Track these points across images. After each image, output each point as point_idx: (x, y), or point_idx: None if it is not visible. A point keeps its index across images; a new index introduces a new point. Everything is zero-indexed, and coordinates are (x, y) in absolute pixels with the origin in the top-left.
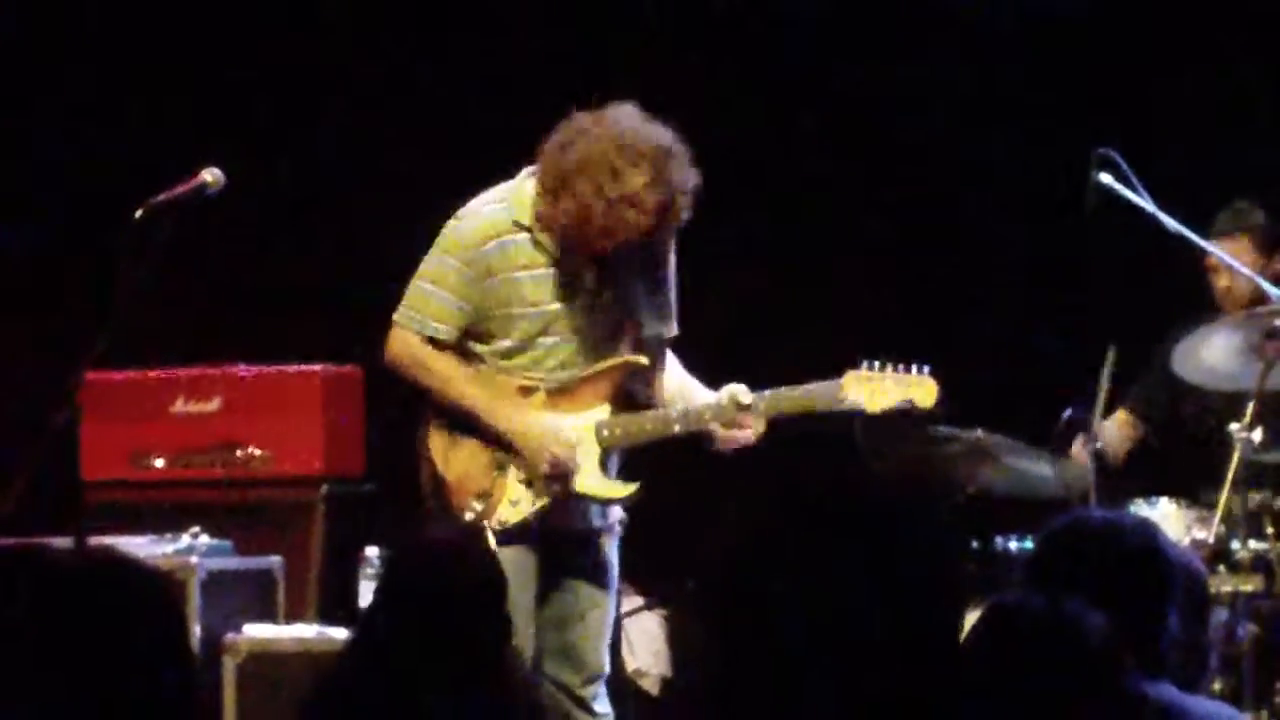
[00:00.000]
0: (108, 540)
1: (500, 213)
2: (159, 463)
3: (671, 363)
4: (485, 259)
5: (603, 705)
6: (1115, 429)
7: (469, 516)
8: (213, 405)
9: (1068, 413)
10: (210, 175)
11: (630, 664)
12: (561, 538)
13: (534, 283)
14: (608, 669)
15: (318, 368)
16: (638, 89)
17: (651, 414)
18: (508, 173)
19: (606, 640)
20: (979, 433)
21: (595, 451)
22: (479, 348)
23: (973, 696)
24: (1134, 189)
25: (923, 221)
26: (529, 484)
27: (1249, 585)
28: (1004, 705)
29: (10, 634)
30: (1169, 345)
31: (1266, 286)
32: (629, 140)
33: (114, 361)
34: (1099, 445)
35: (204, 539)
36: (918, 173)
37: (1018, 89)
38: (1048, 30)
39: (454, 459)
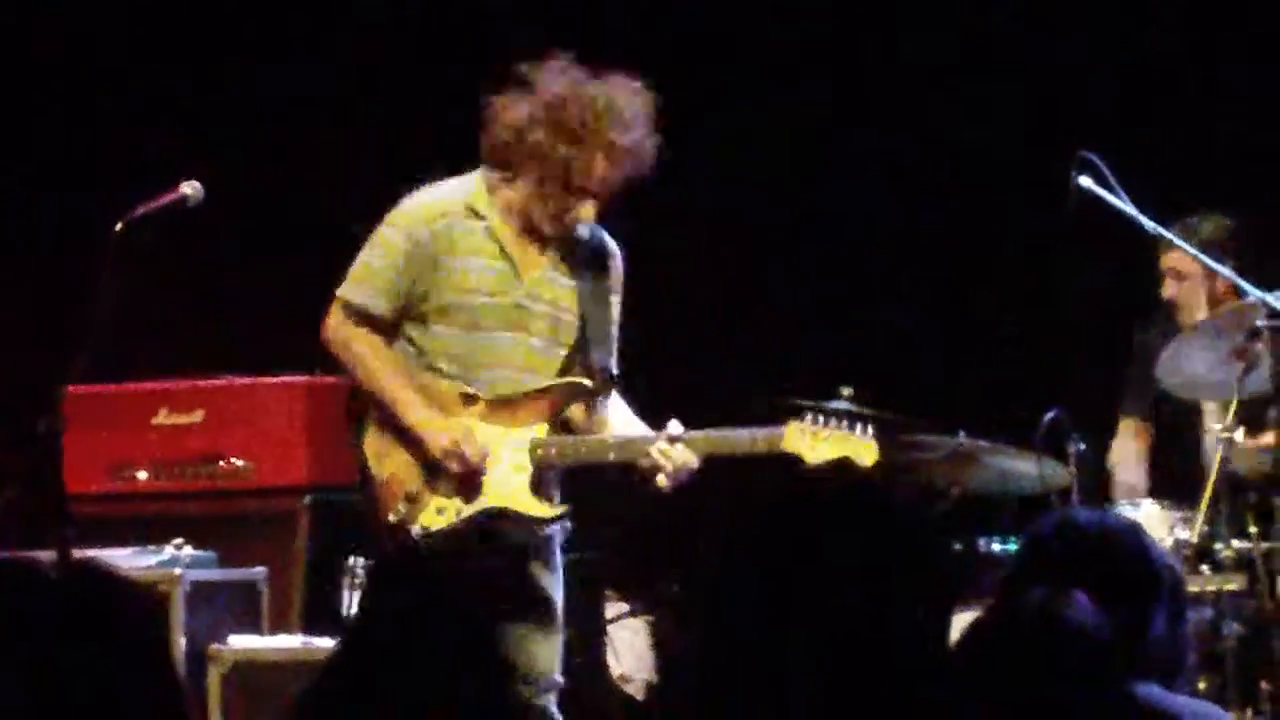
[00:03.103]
0: (91, 553)
1: (454, 195)
2: (142, 475)
3: (618, 402)
4: (433, 238)
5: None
6: (1128, 443)
7: (393, 518)
8: (195, 417)
9: (1050, 414)
10: (190, 188)
11: (616, 670)
12: (496, 547)
13: (480, 272)
14: (559, 677)
15: (300, 379)
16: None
17: (589, 438)
18: None
19: (557, 646)
20: (961, 437)
21: (529, 468)
22: (421, 339)
23: (971, 693)
24: (1114, 191)
25: (903, 224)
26: (459, 492)
27: (1232, 584)
28: (1004, 702)
29: None
30: (1148, 341)
31: (1244, 285)
32: (566, 76)
33: (96, 374)
34: (1082, 448)
35: (188, 550)
36: (897, 175)
37: (1000, 89)
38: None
39: (387, 459)
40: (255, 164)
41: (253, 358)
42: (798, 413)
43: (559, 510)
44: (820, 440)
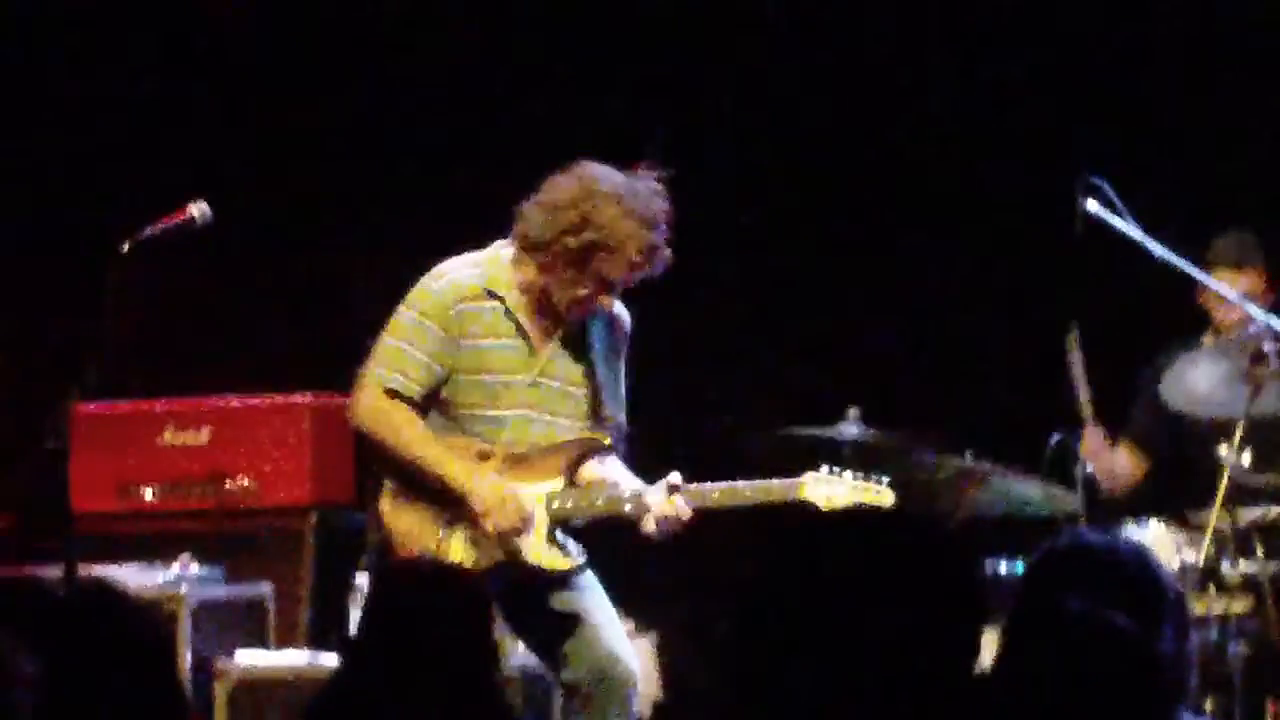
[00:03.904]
0: (98, 571)
1: (474, 278)
2: (148, 494)
3: (618, 460)
4: (458, 321)
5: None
6: (1125, 460)
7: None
8: (201, 436)
9: (1056, 437)
10: (197, 209)
11: None
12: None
13: (501, 352)
14: (631, 669)
15: (306, 398)
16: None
17: (604, 492)
18: (488, 218)
19: (617, 636)
20: (967, 458)
21: (545, 522)
22: (440, 415)
23: (1015, 709)
24: (1121, 216)
25: (913, 247)
26: (475, 544)
27: (1239, 606)
28: (1050, 713)
29: (2, 665)
30: (1157, 370)
31: (1251, 309)
32: (604, 186)
33: (102, 393)
34: (1090, 470)
35: (194, 567)
36: (907, 196)
37: (1007, 112)
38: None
39: (403, 517)
40: (263, 185)
41: (259, 377)
42: (812, 461)
43: (574, 563)
44: (836, 489)
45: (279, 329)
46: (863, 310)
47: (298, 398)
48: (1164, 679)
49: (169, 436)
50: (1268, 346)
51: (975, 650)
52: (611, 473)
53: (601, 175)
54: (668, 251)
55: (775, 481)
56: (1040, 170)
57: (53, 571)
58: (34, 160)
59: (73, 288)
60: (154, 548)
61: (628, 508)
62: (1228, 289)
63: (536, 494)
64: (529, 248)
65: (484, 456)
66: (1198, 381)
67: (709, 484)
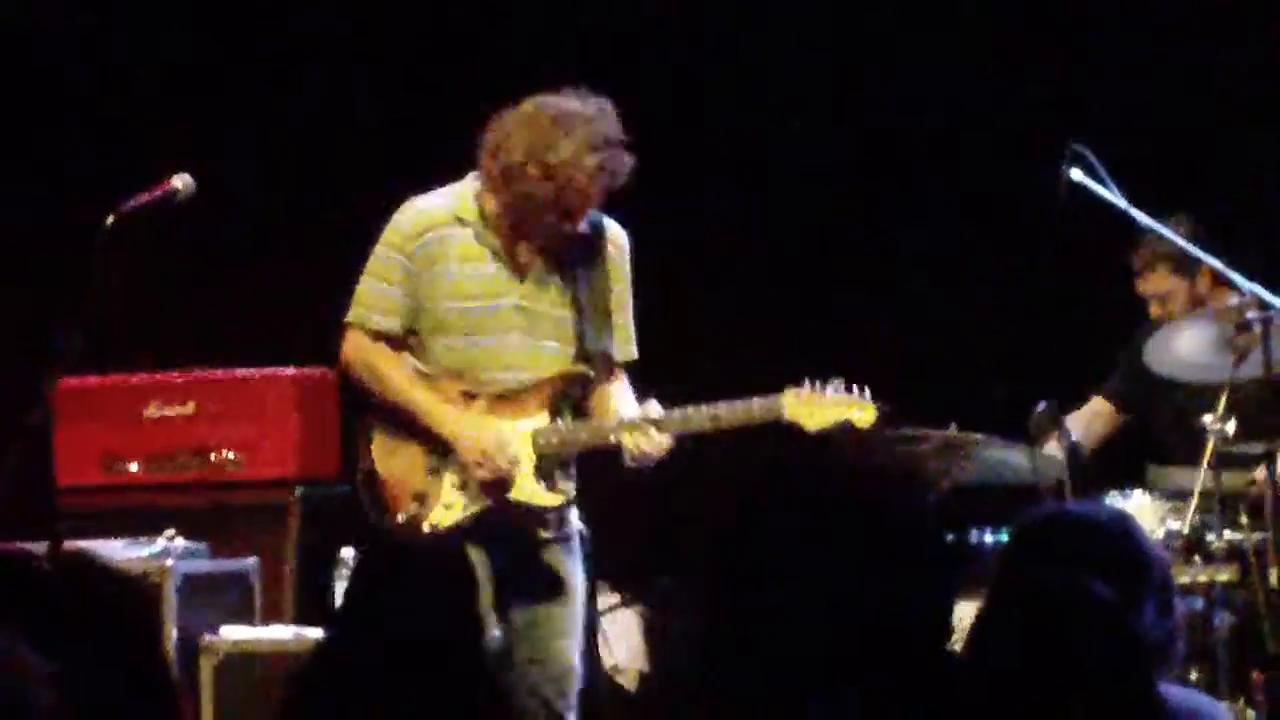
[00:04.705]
0: (83, 545)
1: (439, 206)
2: (133, 467)
3: (623, 388)
4: (425, 250)
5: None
6: (1089, 418)
7: (402, 518)
8: (186, 409)
9: (1040, 406)
10: (180, 181)
11: (608, 660)
12: (503, 543)
13: (478, 278)
14: (578, 679)
15: (290, 370)
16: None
17: (588, 424)
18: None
19: (573, 646)
20: (952, 428)
21: (531, 458)
22: (422, 350)
23: (993, 680)
24: (1105, 184)
25: (895, 217)
26: (463, 487)
27: (1224, 575)
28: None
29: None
30: (1142, 335)
31: (1236, 278)
32: (554, 111)
33: (87, 366)
34: (1074, 439)
35: (179, 542)
36: (888, 165)
37: (991, 83)
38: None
39: (393, 460)
40: (246, 156)
41: (244, 350)
42: (796, 380)
43: (562, 498)
44: (818, 406)
45: (265, 301)
46: (845, 282)
47: (283, 371)
48: (1145, 649)
49: (153, 409)
50: (1251, 314)
51: (946, 622)
52: (619, 404)
53: (545, 104)
54: (626, 160)
55: (756, 401)
56: (1027, 136)
57: (37, 546)
58: (16, 131)
59: (56, 260)
60: (139, 521)
61: (612, 438)
62: (1213, 260)
63: (522, 431)
64: (491, 183)
65: (469, 397)
66: (1184, 346)
67: (689, 408)
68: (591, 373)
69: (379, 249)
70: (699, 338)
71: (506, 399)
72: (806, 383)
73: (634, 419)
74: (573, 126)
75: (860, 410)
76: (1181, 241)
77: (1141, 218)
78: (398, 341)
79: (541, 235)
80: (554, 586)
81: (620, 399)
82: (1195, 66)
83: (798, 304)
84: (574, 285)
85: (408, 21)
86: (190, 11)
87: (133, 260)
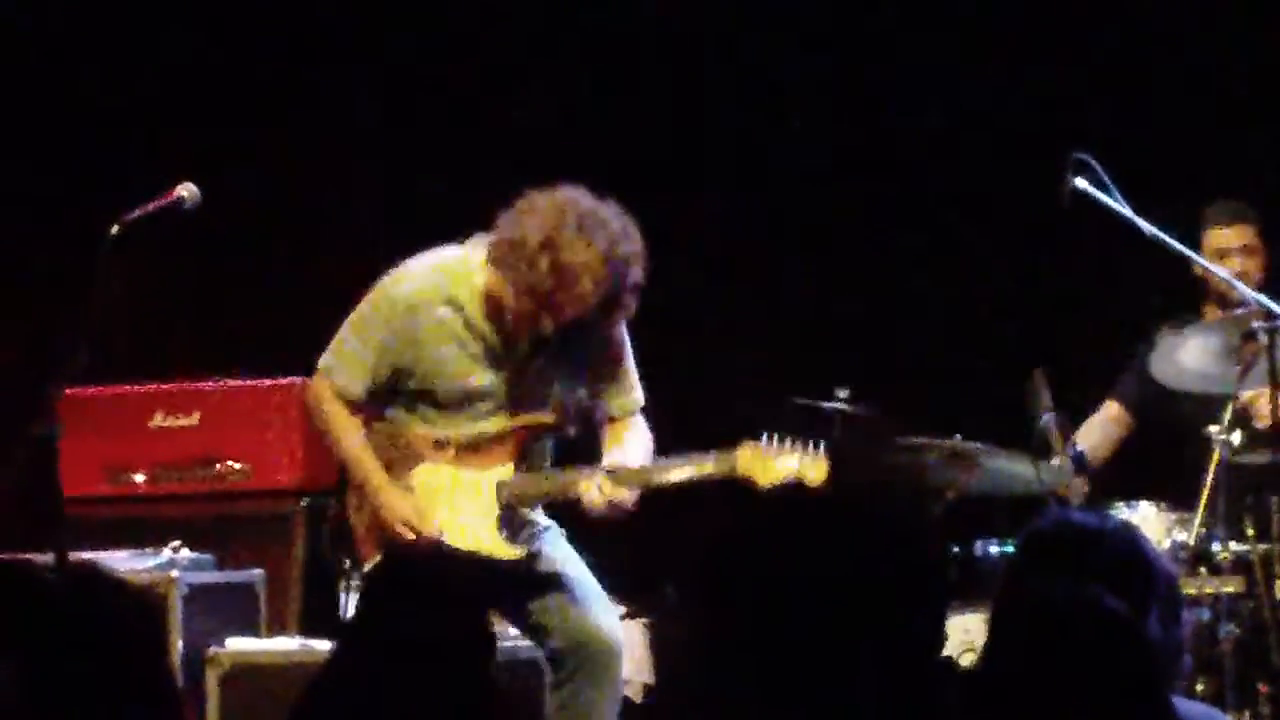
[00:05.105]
0: (88, 556)
1: (436, 284)
2: (138, 478)
3: (635, 435)
4: (412, 328)
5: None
6: (1104, 423)
7: (368, 569)
8: (191, 420)
9: (1046, 417)
10: (186, 190)
11: None
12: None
13: (460, 359)
14: (613, 639)
15: (295, 381)
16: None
17: (551, 476)
18: (468, 208)
19: (598, 607)
20: (957, 439)
21: (495, 509)
22: (402, 414)
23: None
24: (1110, 194)
25: (900, 226)
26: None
27: (1230, 587)
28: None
29: None
30: (1149, 344)
31: (1240, 288)
32: (585, 212)
33: (92, 377)
34: (1079, 450)
35: (185, 553)
36: (895, 176)
37: (991, 83)
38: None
39: (359, 515)
40: (251, 166)
41: (249, 360)
42: (753, 432)
43: (522, 551)
44: (771, 461)
45: (270, 311)
46: (851, 290)
47: (289, 381)
48: (1153, 661)
49: (159, 420)
50: (1257, 324)
51: (939, 635)
52: (628, 452)
53: (579, 202)
54: (631, 298)
55: (710, 456)
56: (1033, 155)
57: (43, 557)
58: (21, 139)
59: (62, 269)
60: (144, 532)
61: (571, 492)
62: (1220, 268)
63: (487, 482)
64: (497, 262)
65: (440, 446)
66: (1189, 357)
67: (644, 464)
68: (553, 421)
69: (366, 307)
70: (699, 338)
71: (474, 449)
72: (764, 437)
73: (591, 471)
74: (596, 235)
75: (813, 469)
76: (1192, 254)
77: (1146, 227)
78: (362, 407)
79: (518, 323)
80: (550, 577)
81: (630, 446)
82: (1195, 66)
83: (798, 304)
84: (568, 349)
85: (413, 31)
86: (196, 19)
87: (138, 270)
